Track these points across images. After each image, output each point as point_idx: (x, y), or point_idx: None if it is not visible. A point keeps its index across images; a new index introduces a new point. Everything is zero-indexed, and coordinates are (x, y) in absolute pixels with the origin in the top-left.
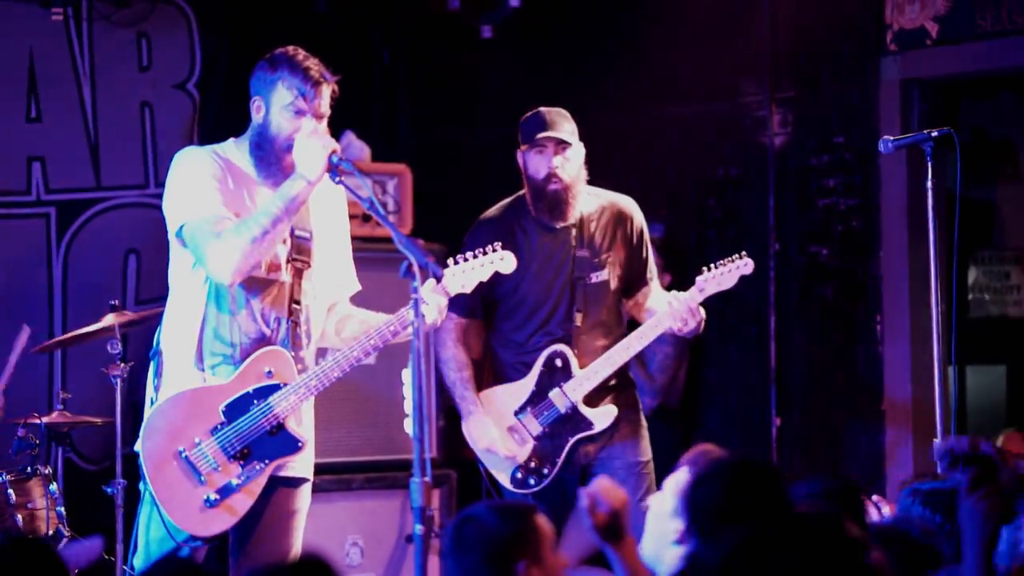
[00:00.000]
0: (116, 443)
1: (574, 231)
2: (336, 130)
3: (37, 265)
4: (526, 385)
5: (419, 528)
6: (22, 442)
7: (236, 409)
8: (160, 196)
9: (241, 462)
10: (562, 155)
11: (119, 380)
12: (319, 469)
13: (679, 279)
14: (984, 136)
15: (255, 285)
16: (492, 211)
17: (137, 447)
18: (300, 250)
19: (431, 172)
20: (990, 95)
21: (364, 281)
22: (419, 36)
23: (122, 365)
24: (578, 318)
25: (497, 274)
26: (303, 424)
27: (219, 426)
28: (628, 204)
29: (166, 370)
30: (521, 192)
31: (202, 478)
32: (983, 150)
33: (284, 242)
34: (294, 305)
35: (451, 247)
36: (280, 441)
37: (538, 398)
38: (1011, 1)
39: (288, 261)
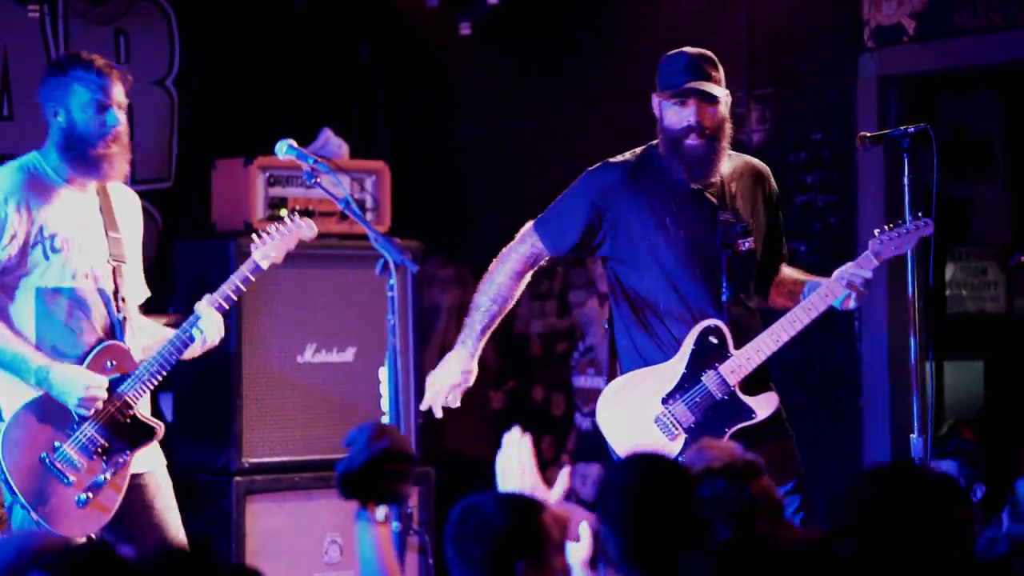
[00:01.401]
0: None
1: (715, 188)
2: (315, 127)
3: None
4: (675, 368)
5: (396, 525)
6: None
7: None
8: (138, 194)
9: (104, 457)
10: (707, 109)
11: None
12: (298, 467)
13: None
14: (962, 133)
15: (77, 295)
16: (621, 156)
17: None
18: (116, 248)
19: (410, 169)
20: (968, 91)
21: (341, 278)
22: (397, 33)
23: None
24: (728, 290)
25: (621, 233)
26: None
27: (74, 426)
28: (763, 166)
29: (6, 386)
30: (653, 143)
31: (69, 480)
32: (961, 147)
33: (105, 248)
34: (120, 301)
35: (429, 244)
36: (136, 429)
37: (689, 383)
38: None
39: (108, 262)
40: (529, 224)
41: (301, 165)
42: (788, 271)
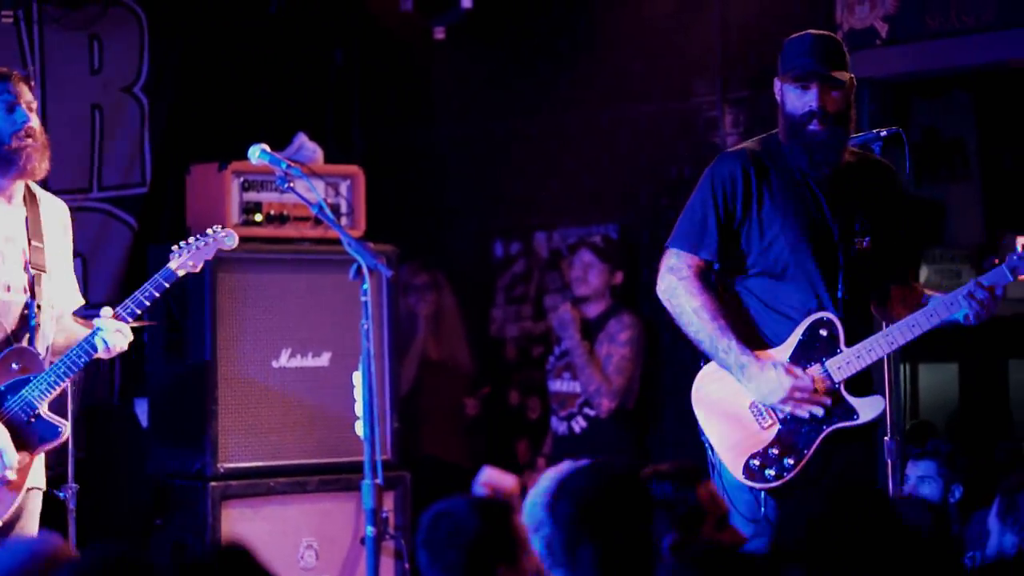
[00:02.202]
0: (68, 447)
1: (835, 183)
2: (289, 131)
3: None
4: (780, 355)
5: (371, 530)
6: None
7: None
8: (104, 200)
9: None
10: (829, 93)
11: (70, 384)
12: (273, 472)
13: (633, 280)
14: (936, 135)
15: None
16: (742, 144)
17: None
18: (37, 256)
19: (385, 174)
20: (941, 94)
21: (316, 283)
22: (372, 38)
23: None
24: (844, 288)
25: (750, 220)
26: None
27: None
28: (890, 167)
29: None
30: (774, 131)
31: None
32: (935, 149)
33: (22, 257)
34: (36, 309)
35: (404, 249)
36: (40, 428)
37: None
38: (960, 1)
39: (25, 270)
40: (672, 250)
41: (275, 170)
42: (920, 288)
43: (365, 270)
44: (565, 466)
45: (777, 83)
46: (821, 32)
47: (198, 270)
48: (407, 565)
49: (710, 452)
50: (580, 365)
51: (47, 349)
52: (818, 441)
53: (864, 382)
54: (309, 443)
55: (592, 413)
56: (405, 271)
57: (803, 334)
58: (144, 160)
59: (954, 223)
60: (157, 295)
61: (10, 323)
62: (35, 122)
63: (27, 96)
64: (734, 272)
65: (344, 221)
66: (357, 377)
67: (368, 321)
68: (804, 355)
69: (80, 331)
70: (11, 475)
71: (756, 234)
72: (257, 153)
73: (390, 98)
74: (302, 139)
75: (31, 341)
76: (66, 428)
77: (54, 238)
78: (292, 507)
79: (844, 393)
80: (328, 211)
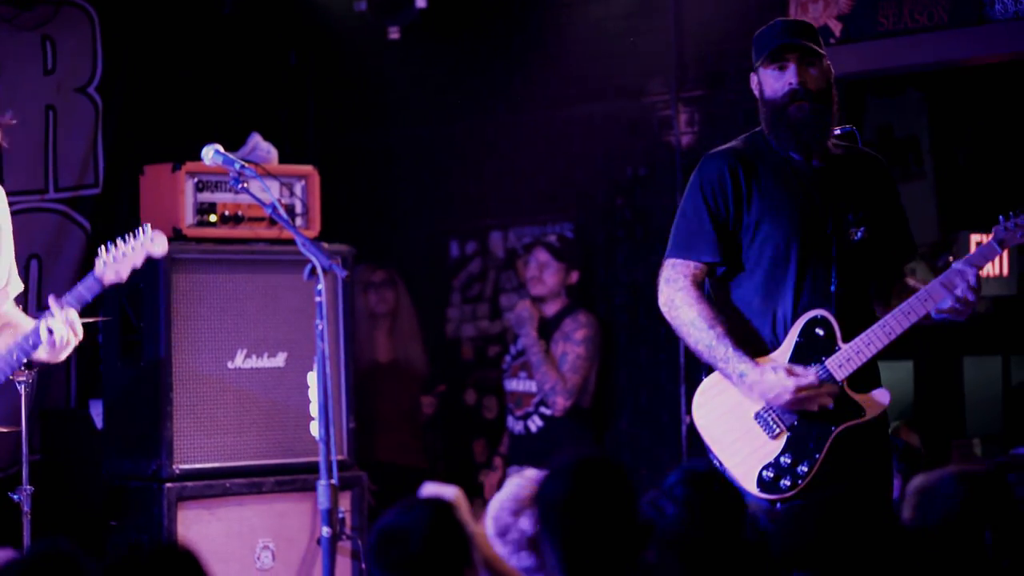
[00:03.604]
0: (22, 450)
1: (826, 174)
2: (243, 131)
3: None
4: (779, 359)
5: (327, 530)
6: None
7: None
8: (59, 200)
9: None
10: (808, 70)
11: (24, 386)
12: (230, 473)
13: (587, 280)
14: (889, 133)
15: None
16: (726, 145)
17: None
18: None
19: (339, 174)
20: (894, 93)
21: (271, 284)
22: (326, 38)
23: (27, 371)
24: (838, 281)
25: (742, 218)
26: None
27: None
28: (879, 158)
29: None
30: (757, 128)
31: None
32: (888, 147)
33: None
34: None
35: (360, 249)
36: None
37: None
38: (913, 0)
39: None
40: (668, 261)
41: (229, 170)
42: (912, 282)
43: (320, 271)
44: (532, 472)
45: (754, 78)
46: (791, 19)
47: (124, 279)
48: (363, 565)
49: (719, 467)
50: (536, 363)
51: None
52: (828, 443)
53: (867, 376)
54: (265, 444)
55: (548, 412)
56: (361, 270)
57: (799, 335)
58: (97, 161)
59: (909, 222)
60: (89, 299)
61: None
62: None
63: None
64: (729, 274)
65: (298, 222)
66: (312, 377)
67: (323, 321)
68: (803, 356)
69: (26, 322)
70: None
71: (749, 232)
72: (211, 153)
73: (344, 98)
74: (256, 139)
75: None
76: None
77: None
78: (248, 508)
79: (848, 391)
80: (282, 211)
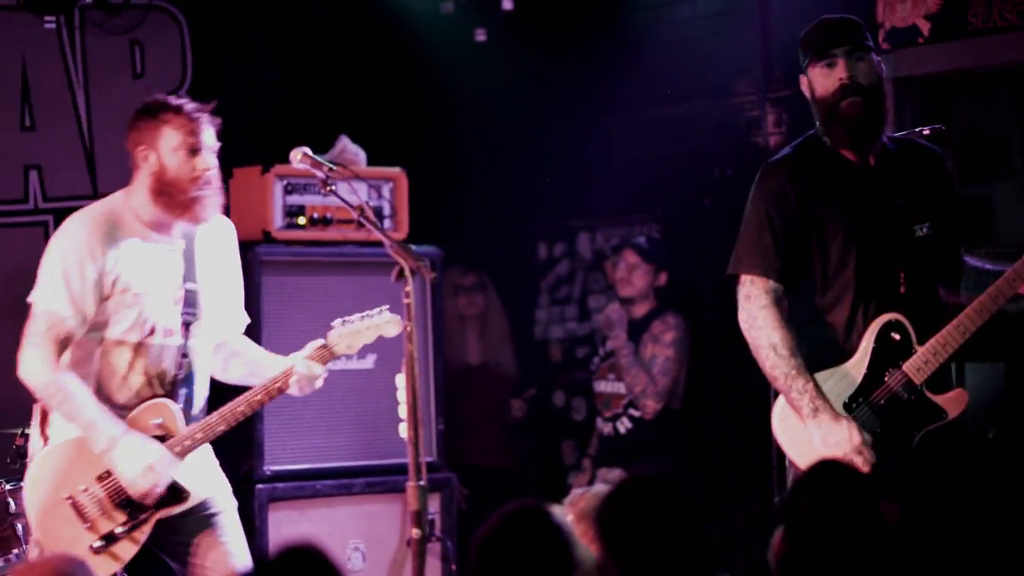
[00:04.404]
0: None
1: (883, 172)
2: (332, 134)
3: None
4: (856, 367)
5: (416, 532)
6: (19, 451)
7: None
8: None
9: (127, 510)
10: (857, 64)
11: None
12: (320, 474)
13: (676, 281)
14: (979, 133)
15: (143, 350)
16: (782, 152)
17: (23, 494)
18: (189, 303)
19: (427, 176)
20: (985, 92)
21: (361, 286)
22: (413, 39)
23: None
24: (907, 281)
25: (808, 228)
26: (192, 471)
27: (105, 474)
28: (936, 148)
29: (53, 418)
30: (810, 132)
31: (87, 524)
32: (978, 147)
33: (176, 303)
34: (182, 359)
35: (448, 251)
36: (167, 492)
37: (873, 383)
38: None
39: (178, 320)
40: (746, 277)
41: (317, 173)
42: (974, 262)
43: (408, 273)
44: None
45: (803, 79)
46: (836, 15)
47: (354, 353)
48: (453, 567)
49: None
50: (626, 366)
51: (198, 403)
52: (912, 447)
53: (943, 377)
54: (355, 445)
55: (637, 414)
56: (451, 273)
57: (875, 340)
58: None
59: (998, 221)
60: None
61: (161, 376)
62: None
63: (208, 141)
64: (796, 283)
65: (387, 224)
66: (401, 379)
67: (411, 323)
68: (880, 364)
69: (250, 352)
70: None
71: (813, 240)
72: (299, 156)
73: (432, 100)
74: (344, 142)
75: (175, 397)
76: (190, 496)
77: (214, 268)
78: (338, 509)
79: (928, 394)
80: (370, 214)
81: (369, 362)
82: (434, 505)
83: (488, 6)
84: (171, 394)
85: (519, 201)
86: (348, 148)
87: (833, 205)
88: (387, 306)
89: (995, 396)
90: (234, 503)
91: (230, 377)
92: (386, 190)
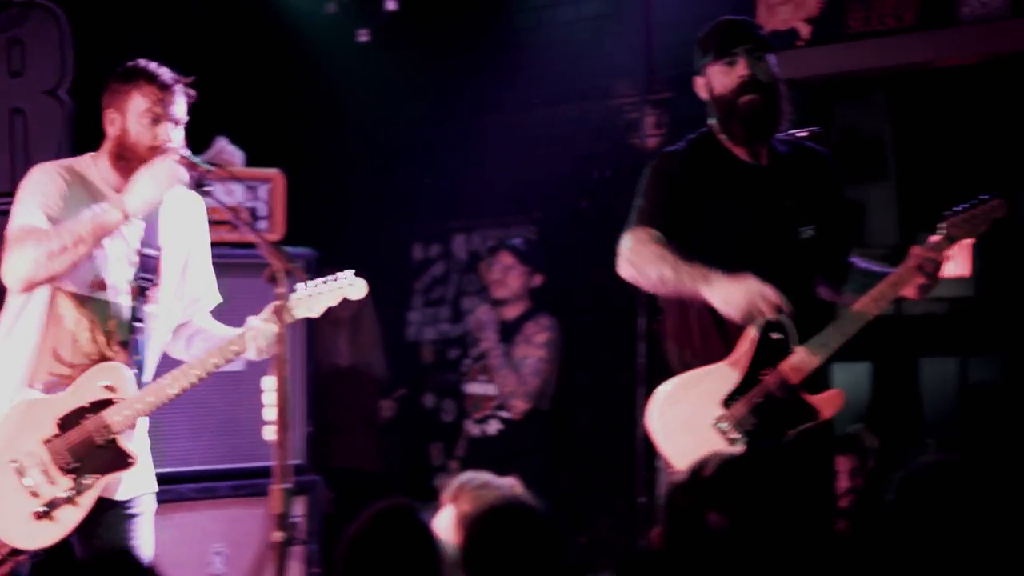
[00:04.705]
0: None
1: (773, 173)
2: (209, 135)
3: None
4: (735, 366)
5: (278, 535)
6: None
7: (69, 422)
8: None
9: (72, 475)
10: (757, 63)
11: None
12: (184, 478)
13: (551, 283)
14: (855, 136)
15: (90, 305)
16: (675, 145)
17: None
18: (146, 268)
19: (305, 177)
20: (862, 95)
21: (231, 287)
22: (294, 39)
23: None
24: (788, 282)
25: (692, 217)
26: (135, 440)
27: (51, 438)
28: (823, 150)
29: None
30: (703, 129)
31: (30, 489)
32: (854, 150)
33: (131, 265)
34: (136, 323)
35: (322, 253)
36: (111, 456)
37: (751, 382)
38: (881, 3)
39: (129, 280)
40: (627, 233)
41: (193, 173)
42: (859, 263)
43: (280, 274)
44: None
45: (698, 80)
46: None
47: (317, 316)
48: (316, 570)
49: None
50: (496, 367)
51: (148, 370)
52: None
53: (819, 378)
54: (220, 448)
55: (507, 415)
56: (326, 275)
57: (756, 340)
58: None
59: (871, 223)
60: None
61: (108, 337)
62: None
63: (178, 113)
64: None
65: (263, 225)
66: (269, 381)
67: (281, 326)
68: (759, 363)
69: (213, 328)
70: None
71: (700, 234)
72: (175, 156)
73: (312, 101)
74: (222, 142)
75: (128, 358)
76: (136, 460)
77: (181, 239)
78: (202, 513)
79: (803, 394)
80: (245, 215)
81: (238, 364)
82: (299, 508)
83: (371, 6)
84: (121, 358)
85: (396, 202)
86: (226, 149)
87: (722, 202)
88: (352, 271)
89: (862, 395)
90: (154, 507)
91: (193, 355)
92: (263, 191)
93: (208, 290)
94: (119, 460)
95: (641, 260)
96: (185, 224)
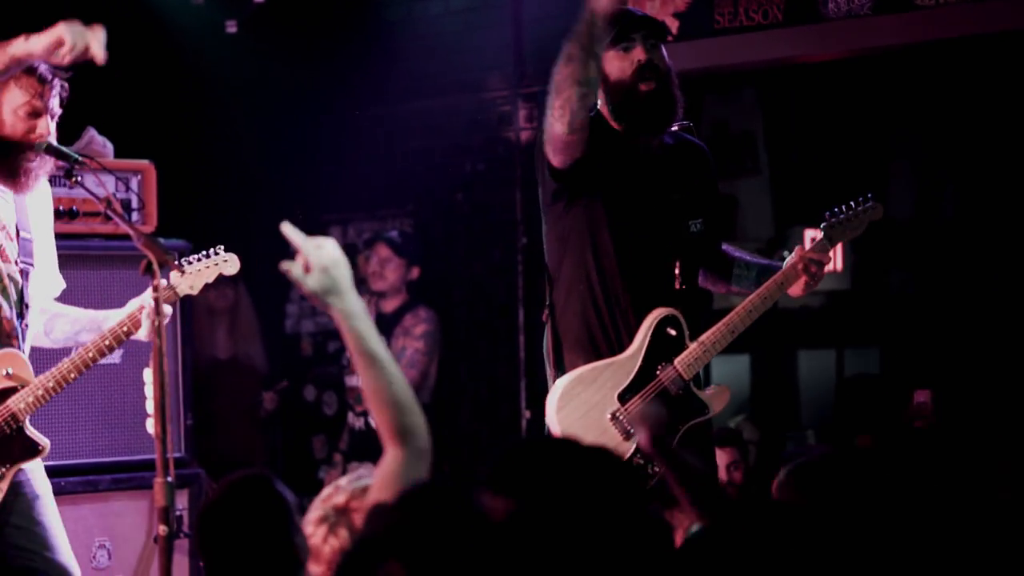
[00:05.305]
0: None
1: (664, 163)
2: (79, 126)
3: None
4: (631, 360)
5: (162, 528)
6: None
7: None
8: None
9: None
10: (654, 50)
11: None
12: (65, 471)
13: (427, 275)
14: (725, 130)
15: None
16: None
17: None
18: (26, 252)
19: (178, 168)
20: (731, 90)
21: (107, 280)
22: (163, 30)
23: None
24: (681, 276)
25: (589, 201)
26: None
27: None
28: (702, 144)
29: None
30: (591, 114)
31: None
32: (724, 144)
33: (12, 239)
34: (24, 307)
35: (198, 244)
36: (20, 444)
37: (647, 377)
38: None
39: (15, 263)
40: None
41: (63, 164)
42: (734, 253)
43: (155, 266)
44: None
45: None
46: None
47: (196, 293)
48: (201, 563)
49: None
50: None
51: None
52: (675, 441)
53: (703, 373)
54: (101, 442)
55: None
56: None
57: (651, 334)
58: None
59: (746, 218)
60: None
61: (13, 321)
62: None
63: (54, 107)
64: (577, 265)
65: (135, 217)
66: (148, 374)
67: (159, 317)
68: (654, 357)
69: (69, 311)
70: None
71: (591, 224)
72: (44, 146)
73: (182, 92)
74: (91, 133)
75: (22, 345)
76: (47, 447)
77: (40, 226)
78: (84, 507)
79: (694, 389)
80: (118, 206)
81: (115, 357)
82: (182, 501)
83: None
84: (15, 343)
85: (270, 194)
86: (96, 139)
87: (613, 190)
88: (223, 246)
89: (742, 388)
90: (49, 487)
91: (56, 339)
92: (134, 183)
93: (55, 275)
94: (29, 448)
95: (557, 82)
96: (41, 209)
